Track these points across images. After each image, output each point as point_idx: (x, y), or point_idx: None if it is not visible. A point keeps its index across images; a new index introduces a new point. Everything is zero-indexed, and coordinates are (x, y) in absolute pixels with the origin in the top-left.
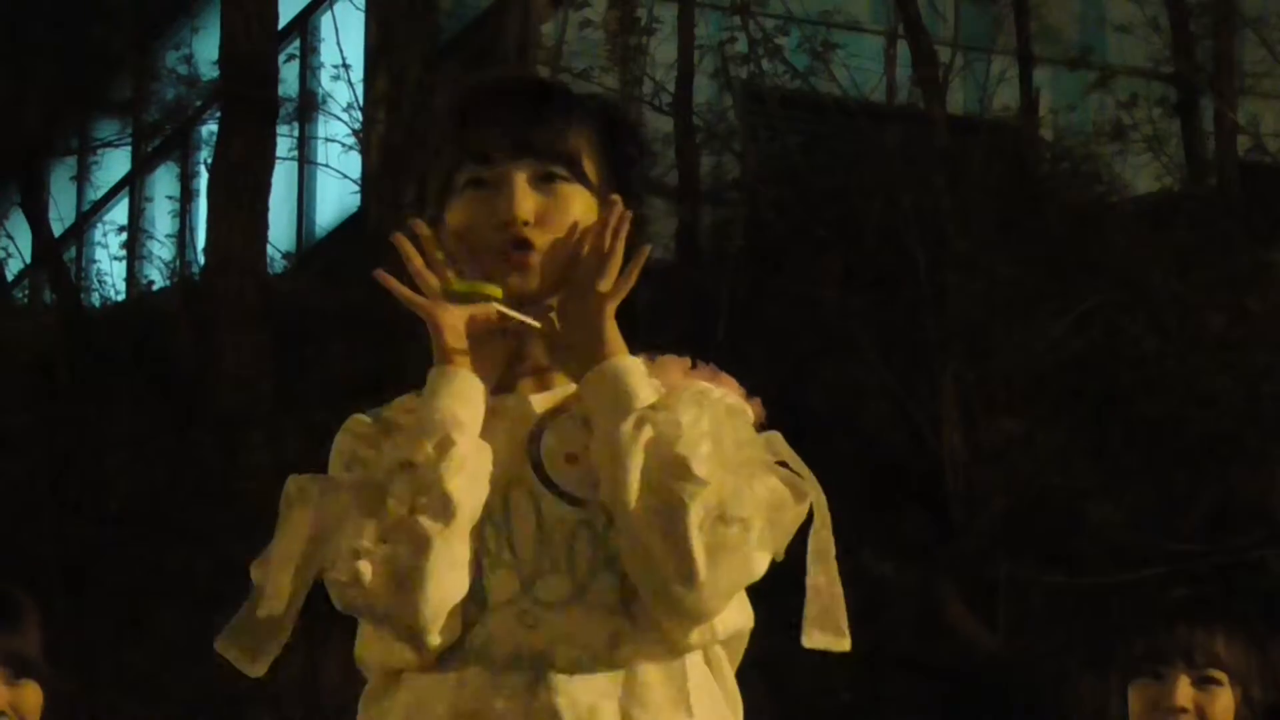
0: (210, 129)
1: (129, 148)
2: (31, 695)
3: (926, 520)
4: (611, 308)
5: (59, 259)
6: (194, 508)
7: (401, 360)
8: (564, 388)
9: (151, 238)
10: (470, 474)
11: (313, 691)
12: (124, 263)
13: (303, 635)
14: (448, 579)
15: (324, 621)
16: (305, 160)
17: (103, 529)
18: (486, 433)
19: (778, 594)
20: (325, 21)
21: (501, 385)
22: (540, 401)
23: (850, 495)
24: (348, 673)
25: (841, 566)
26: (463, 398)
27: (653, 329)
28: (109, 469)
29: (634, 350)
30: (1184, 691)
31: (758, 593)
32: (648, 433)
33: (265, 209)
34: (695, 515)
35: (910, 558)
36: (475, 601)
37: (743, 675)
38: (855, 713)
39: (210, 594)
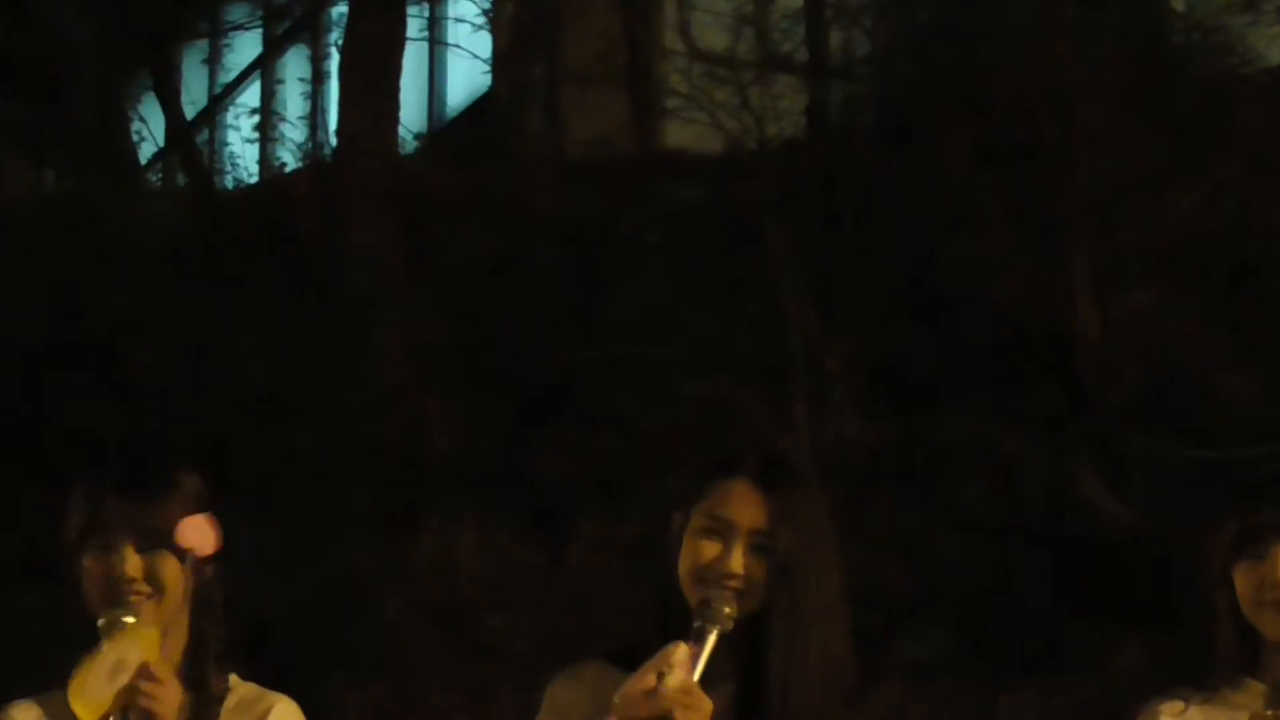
0: (341, 10)
1: (260, 30)
2: (167, 567)
3: (1059, 395)
4: None
5: (192, 142)
6: (324, 389)
7: (529, 241)
8: None
9: (283, 120)
10: None
11: (449, 571)
12: (256, 145)
13: (437, 514)
14: None
15: (458, 501)
16: (435, 41)
17: (235, 411)
18: None
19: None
20: None
21: None
22: None
23: (982, 371)
24: (483, 552)
25: (976, 441)
26: None
27: (784, 205)
28: (241, 351)
29: None
30: None
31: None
32: None
33: (396, 90)
34: None
35: (1043, 432)
36: None
37: (880, 556)
38: (987, 587)
39: (341, 474)
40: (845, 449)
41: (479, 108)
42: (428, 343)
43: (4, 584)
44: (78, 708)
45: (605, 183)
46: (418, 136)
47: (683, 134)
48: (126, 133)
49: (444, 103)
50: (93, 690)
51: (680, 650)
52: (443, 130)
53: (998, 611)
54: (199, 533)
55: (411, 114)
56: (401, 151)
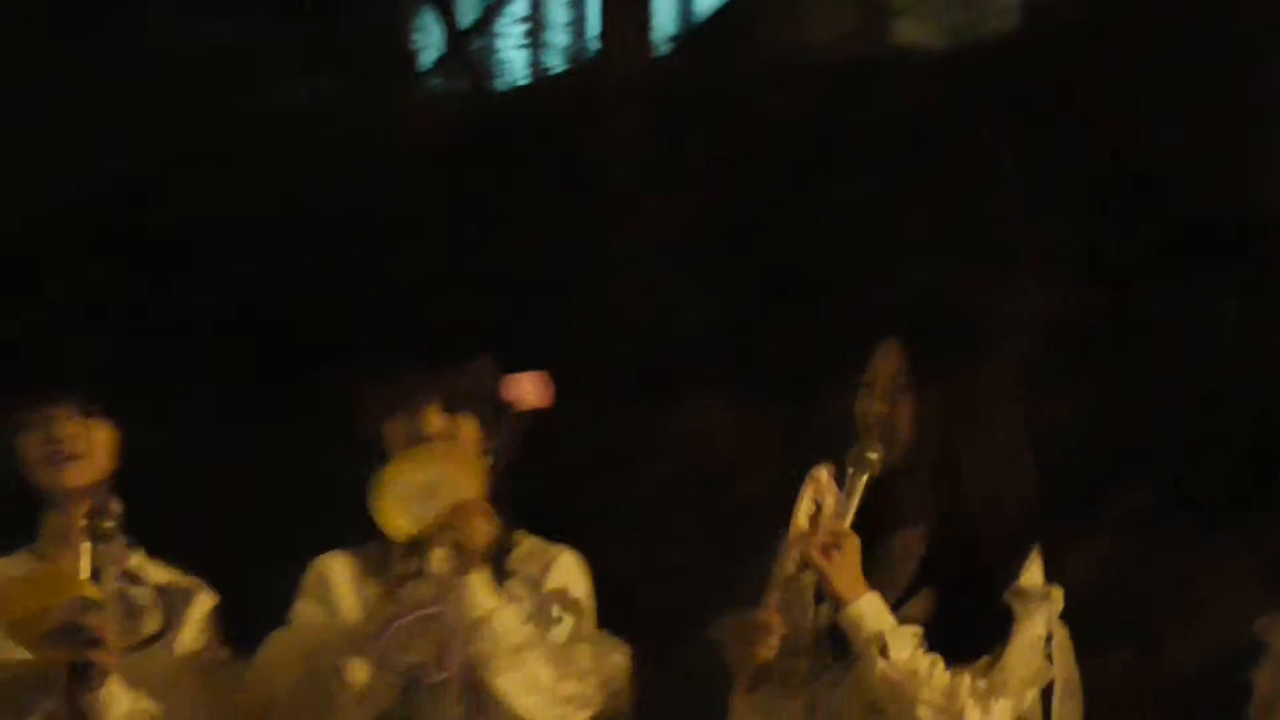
0: None
1: None
2: (467, 428)
3: (1252, 274)
4: None
5: (466, 49)
6: (588, 276)
7: (771, 138)
8: None
9: (549, 27)
10: None
11: (705, 440)
12: (525, 51)
13: (691, 387)
14: None
15: (710, 375)
16: None
17: (508, 299)
18: None
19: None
20: None
21: None
22: None
23: (1177, 247)
24: (735, 422)
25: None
26: None
27: (1000, 95)
28: (512, 242)
29: None
30: None
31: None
32: None
33: None
34: None
35: (1244, 301)
36: None
37: (1088, 418)
38: (1189, 447)
39: (604, 353)
40: (1055, 320)
41: (726, 11)
42: (680, 232)
43: (308, 454)
44: (389, 515)
45: (840, 81)
46: (670, 39)
47: (911, 32)
48: (406, 42)
49: (693, 7)
50: (411, 507)
51: (821, 476)
52: (692, 33)
53: (1200, 469)
54: (535, 388)
55: (665, 18)
56: (655, 55)
